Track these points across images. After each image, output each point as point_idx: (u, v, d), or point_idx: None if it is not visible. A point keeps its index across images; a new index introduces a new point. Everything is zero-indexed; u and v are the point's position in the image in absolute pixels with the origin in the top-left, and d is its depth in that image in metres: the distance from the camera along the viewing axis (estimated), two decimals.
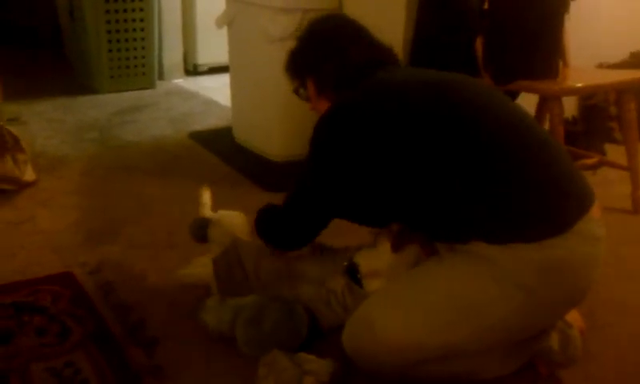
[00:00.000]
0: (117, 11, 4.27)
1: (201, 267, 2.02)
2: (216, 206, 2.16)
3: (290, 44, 1.94)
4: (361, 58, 1.79)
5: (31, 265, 2.22)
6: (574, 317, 1.78)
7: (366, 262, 1.87)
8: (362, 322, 1.68)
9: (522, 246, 1.51)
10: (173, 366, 1.74)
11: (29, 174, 2.86)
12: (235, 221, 2.07)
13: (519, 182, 1.55)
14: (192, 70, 4.97)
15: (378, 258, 1.85)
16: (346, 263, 1.89)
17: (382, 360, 1.64)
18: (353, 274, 1.88)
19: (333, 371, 1.64)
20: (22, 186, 2.81)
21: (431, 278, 1.66)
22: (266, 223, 1.90)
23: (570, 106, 3.61)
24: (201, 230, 2.06)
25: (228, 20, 3.39)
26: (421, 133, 1.61)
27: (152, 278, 2.18)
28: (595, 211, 1.58)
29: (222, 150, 3.43)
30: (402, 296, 1.68)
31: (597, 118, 3.71)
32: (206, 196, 2.16)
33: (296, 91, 1.92)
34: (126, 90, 4.42)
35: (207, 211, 2.13)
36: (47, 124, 3.72)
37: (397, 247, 1.83)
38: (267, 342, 1.75)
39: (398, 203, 1.68)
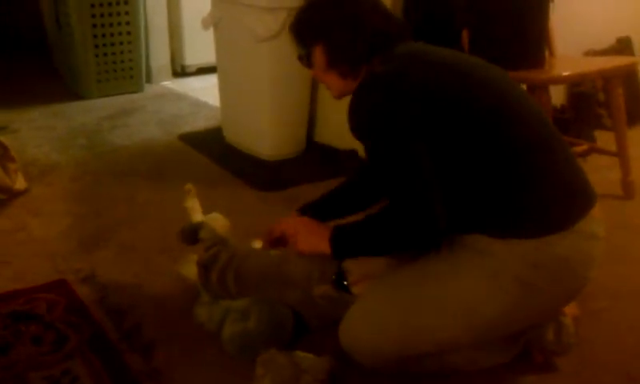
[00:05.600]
0: (102, 15, 4.26)
1: (194, 263, 2.01)
2: (209, 208, 2.15)
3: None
4: (379, 31, 1.62)
5: (25, 273, 2.22)
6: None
7: (357, 266, 1.84)
8: (354, 318, 1.68)
9: (521, 242, 1.52)
10: (170, 369, 1.75)
11: (19, 183, 2.85)
12: (220, 222, 2.03)
13: (527, 176, 1.54)
14: (180, 72, 4.96)
15: (371, 262, 1.83)
16: (334, 276, 1.86)
17: (378, 355, 1.65)
18: (340, 282, 1.86)
19: (330, 368, 1.65)
20: (13, 194, 2.80)
21: (424, 275, 1.64)
22: (377, 234, 1.59)
23: (558, 95, 3.63)
24: (193, 235, 2.00)
25: (214, 21, 3.38)
26: (436, 114, 1.52)
27: (146, 281, 2.18)
28: (596, 211, 1.58)
29: (212, 151, 3.42)
30: (392, 292, 1.66)
31: (585, 106, 3.73)
32: (193, 200, 2.06)
33: (300, 58, 1.74)
34: (115, 95, 4.41)
35: (199, 216, 2.05)
36: (37, 132, 3.72)
37: None
38: (251, 339, 1.76)
39: None
